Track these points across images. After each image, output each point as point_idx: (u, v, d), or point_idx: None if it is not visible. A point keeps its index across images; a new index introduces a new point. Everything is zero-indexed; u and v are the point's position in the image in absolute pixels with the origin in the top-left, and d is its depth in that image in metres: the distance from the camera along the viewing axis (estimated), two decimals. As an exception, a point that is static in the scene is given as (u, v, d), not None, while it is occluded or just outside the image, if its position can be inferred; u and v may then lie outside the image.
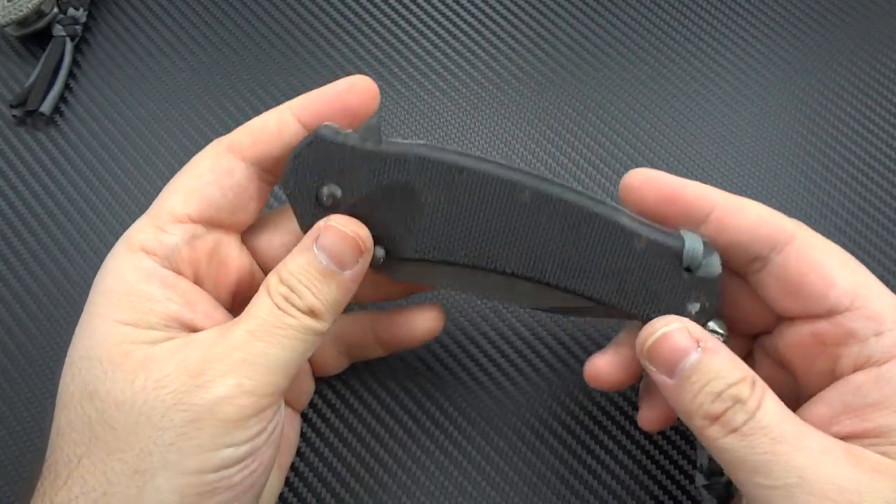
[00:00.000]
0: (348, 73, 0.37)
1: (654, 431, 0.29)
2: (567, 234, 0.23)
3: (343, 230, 0.22)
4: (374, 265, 0.24)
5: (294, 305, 0.21)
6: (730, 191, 0.34)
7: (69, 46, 0.37)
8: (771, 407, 0.21)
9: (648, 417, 0.26)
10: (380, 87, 0.37)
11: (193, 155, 0.35)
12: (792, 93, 0.37)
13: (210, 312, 0.23)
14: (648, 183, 0.24)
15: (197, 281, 0.23)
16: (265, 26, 0.38)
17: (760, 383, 0.21)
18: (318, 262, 0.21)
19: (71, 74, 0.37)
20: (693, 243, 0.23)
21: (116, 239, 0.33)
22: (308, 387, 0.28)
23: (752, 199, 0.34)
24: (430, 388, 0.31)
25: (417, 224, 0.23)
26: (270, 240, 0.26)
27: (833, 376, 0.23)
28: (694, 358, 0.21)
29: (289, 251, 0.23)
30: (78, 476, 0.19)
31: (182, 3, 0.39)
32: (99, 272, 0.23)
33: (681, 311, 0.23)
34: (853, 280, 0.23)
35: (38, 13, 0.36)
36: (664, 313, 0.23)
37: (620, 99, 0.37)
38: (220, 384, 0.20)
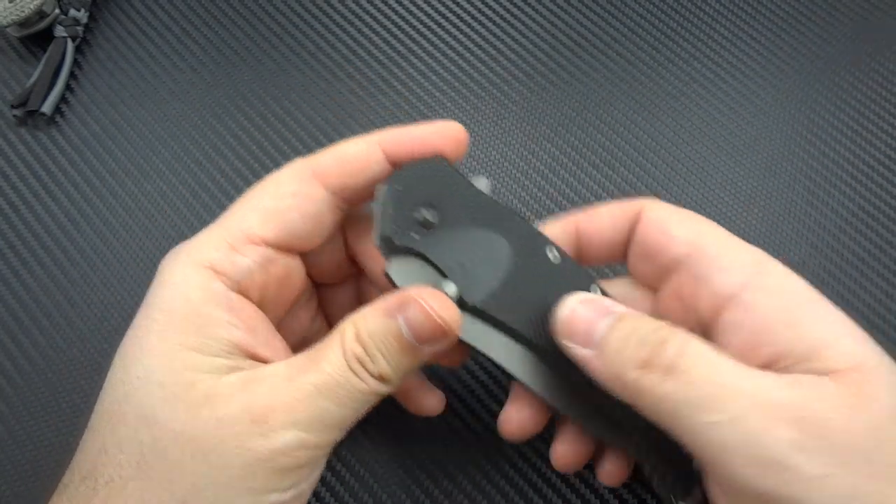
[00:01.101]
0: (349, 73, 0.37)
1: (568, 471, 0.28)
2: None
3: (431, 314, 0.21)
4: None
5: (367, 370, 0.21)
6: (729, 191, 0.35)
7: (70, 47, 0.37)
8: (698, 342, 0.20)
9: (561, 452, 0.25)
10: (380, 87, 0.37)
11: (193, 155, 0.36)
12: (792, 93, 0.37)
13: (269, 339, 0.22)
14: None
15: (261, 305, 0.23)
16: (265, 26, 0.39)
17: (679, 327, 0.21)
18: (400, 335, 0.21)
19: (72, 75, 0.37)
20: None
21: (116, 238, 0.34)
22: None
23: (753, 198, 0.35)
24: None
25: (497, 278, 0.23)
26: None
27: (707, 333, 0.22)
28: (607, 321, 0.21)
29: (336, 264, 0.22)
30: (119, 498, 0.19)
31: (183, 4, 0.39)
32: (157, 281, 0.22)
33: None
34: (690, 230, 0.23)
35: (40, 14, 0.36)
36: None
37: (620, 100, 0.37)
38: (282, 436, 0.19)
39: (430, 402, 0.27)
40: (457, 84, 0.37)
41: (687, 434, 0.19)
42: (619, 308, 0.22)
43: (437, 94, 0.37)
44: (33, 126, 0.36)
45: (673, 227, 0.24)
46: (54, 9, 0.37)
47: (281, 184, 0.24)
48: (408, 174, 0.23)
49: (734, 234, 0.34)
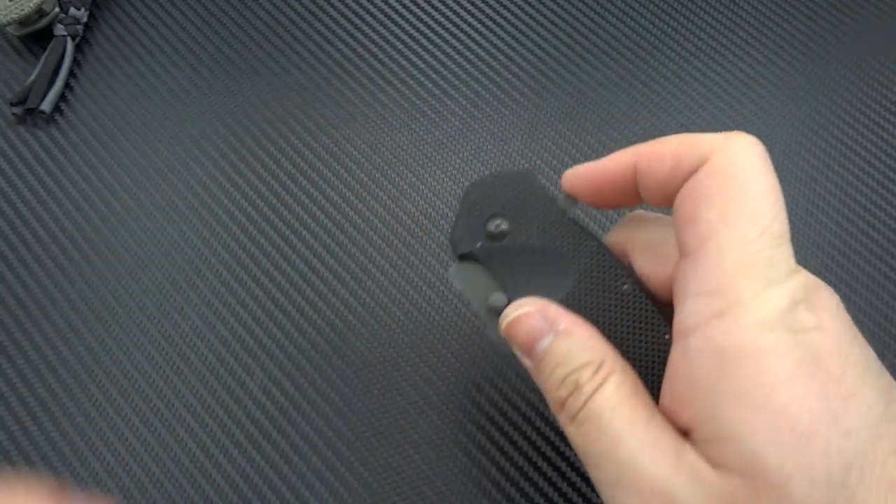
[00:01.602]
0: (349, 71, 0.37)
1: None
2: None
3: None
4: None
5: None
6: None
7: (70, 46, 0.37)
8: (608, 393, 0.19)
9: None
10: (380, 85, 0.37)
11: (193, 153, 0.36)
12: (792, 92, 0.37)
13: None
14: (576, 181, 0.23)
15: None
16: (265, 25, 0.38)
17: (608, 367, 0.19)
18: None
19: (71, 73, 0.37)
20: None
21: (115, 237, 0.34)
22: None
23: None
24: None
25: (555, 298, 0.22)
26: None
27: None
28: (546, 341, 0.20)
29: None
30: None
31: (183, 3, 0.39)
32: None
33: None
34: (714, 215, 0.18)
35: (40, 12, 0.36)
36: None
37: (621, 98, 0.37)
38: None
39: None
40: (457, 82, 0.37)
41: (592, 479, 0.19)
42: (562, 324, 0.20)
43: (438, 92, 0.37)
44: (32, 124, 0.36)
45: (703, 205, 0.19)
46: (54, 7, 0.36)
47: None
48: (487, 184, 0.24)
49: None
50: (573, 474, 0.29)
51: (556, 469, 0.29)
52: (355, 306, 0.32)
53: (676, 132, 0.36)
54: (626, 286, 0.22)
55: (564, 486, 0.29)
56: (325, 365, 0.31)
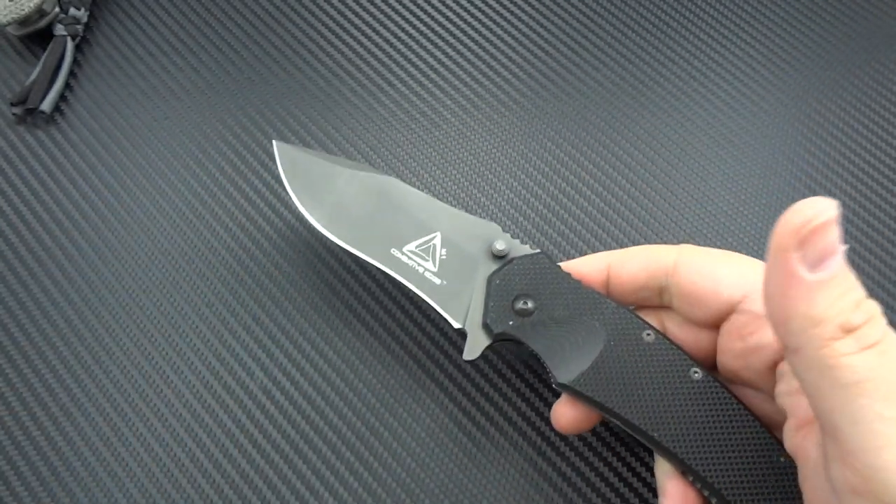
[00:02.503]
0: (348, 72, 0.37)
1: (568, 432, 0.27)
2: (723, 423, 0.24)
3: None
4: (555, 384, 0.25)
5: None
6: (730, 190, 0.35)
7: (70, 46, 0.37)
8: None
9: (564, 413, 0.26)
10: (380, 86, 0.37)
11: (193, 153, 0.36)
12: (792, 92, 0.37)
13: None
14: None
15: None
16: (265, 26, 0.39)
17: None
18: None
19: (71, 73, 0.37)
20: None
21: (115, 237, 0.34)
22: None
23: (753, 198, 0.35)
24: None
25: (589, 359, 0.25)
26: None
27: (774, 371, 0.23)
28: (840, 259, 0.19)
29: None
30: None
31: (183, 3, 0.39)
32: None
33: None
34: (736, 272, 0.24)
35: (40, 12, 0.36)
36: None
37: (621, 99, 0.37)
38: None
39: None
40: (457, 83, 0.37)
41: (838, 409, 0.18)
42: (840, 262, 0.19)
43: (438, 93, 0.37)
44: (32, 124, 0.36)
45: (718, 271, 0.24)
46: (54, 7, 0.36)
47: None
48: (509, 269, 0.26)
49: (734, 233, 0.34)
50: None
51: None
52: (354, 304, 0.32)
53: (676, 132, 0.36)
54: (648, 335, 0.25)
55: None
56: (325, 364, 0.31)
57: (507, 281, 0.26)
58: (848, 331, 0.18)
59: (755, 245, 0.33)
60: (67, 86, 0.37)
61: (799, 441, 0.22)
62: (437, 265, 0.27)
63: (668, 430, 0.24)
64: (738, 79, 0.37)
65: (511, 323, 0.26)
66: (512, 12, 0.39)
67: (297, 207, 0.29)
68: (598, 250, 0.33)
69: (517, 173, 0.35)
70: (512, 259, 0.27)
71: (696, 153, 0.36)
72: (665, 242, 0.33)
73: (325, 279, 0.33)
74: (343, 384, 0.31)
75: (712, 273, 0.24)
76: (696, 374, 0.24)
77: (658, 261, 0.26)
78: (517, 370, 0.31)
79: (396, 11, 0.39)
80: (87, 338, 0.32)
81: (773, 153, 0.36)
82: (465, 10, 0.39)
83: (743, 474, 0.23)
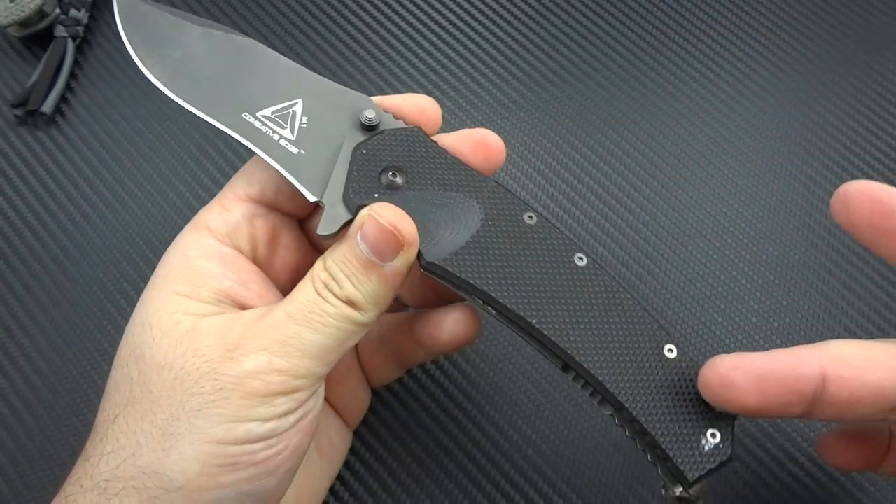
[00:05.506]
0: (350, 73, 0.37)
1: (836, 466, 0.26)
2: (607, 314, 0.23)
3: (381, 222, 0.21)
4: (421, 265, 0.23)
5: (333, 293, 0.21)
6: (729, 190, 0.35)
7: (70, 47, 0.37)
8: None
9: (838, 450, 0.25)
10: (380, 86, 0.37)
11: (193, 154, 0.36)
12: (792, 92, 0.37)
13: (263, 293, 0.23)
14: (863, 195, 0.23)
15: (255, 261, 0.24)
16: (265, 26, 0.39)
17: None
18: (359, 252, 0.21)
19: (72, 75, 0.37)
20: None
21: (116, 238, 0.34)
22: (362, 397, 0.28)
23: (753, 199, 0.35)
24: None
25: (462, 239, 0.23)
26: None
27: None
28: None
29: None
30: (112, 435, 0.20)
31: (183, 4, 0.39)
32: (166, 250, 0.24)
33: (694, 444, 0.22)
34: (885, 367, 0.20)
35: (40, 14, 0.36)
36: (673, 437, 0.22)
37: (621, 99, 0.37)
38: (251, 359, 0.20)
39: (451, 324, 0.25)
40: (457, 83, 0.37)
41: None
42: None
43: (438, 93, 0.37)
44: (33, 125, 0.36)
45: (875, 379, 0.19)
46: (55, 9, 0.37)
47: None
48: (376, 141, 0.24)
49: (735, 233, 0.34)
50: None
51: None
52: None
53: (677, 133, 0.36)
54: (530, 218, 0.23)
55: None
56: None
57: (375, 152, 0.24)
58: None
59: (755, 245, 0.33)
60: (68, 87, 0.37)
61: None
62: (295, 133, 0.25)
63: (548, 317, 0.22)
64: (738, 79, 0.37)
65: (376, 195, 0.23)
66: (512, 13, 0.39)
67: (135, 62, 0.25)
68: (598, 250, 0.33)
69: (516, 174, 0.35)
70: (383, 131, 0.24)
71: (695, 153, 0.36)
72: (664, 242, 0.33)
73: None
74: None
75: (870, 381, 0.20)
76: (581, 261, 0.23)
77: (804, 381, 0.19)
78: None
79: (397, 13, 0.39)
80: (87, 337, 0.32)
81: (773, 153, 0.36)
82: (465, 10, 0.39)
83: (627, 367, 0.22)
